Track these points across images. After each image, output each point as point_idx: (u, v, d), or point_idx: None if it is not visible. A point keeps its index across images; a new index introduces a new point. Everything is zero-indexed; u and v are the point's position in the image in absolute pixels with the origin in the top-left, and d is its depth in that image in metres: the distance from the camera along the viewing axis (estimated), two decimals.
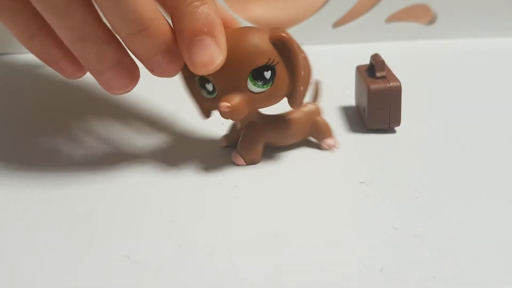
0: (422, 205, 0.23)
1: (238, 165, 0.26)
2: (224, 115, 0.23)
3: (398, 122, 0.28)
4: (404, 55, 0.41)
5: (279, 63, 0.23)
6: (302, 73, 0.24)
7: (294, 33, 0.43)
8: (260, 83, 0.23)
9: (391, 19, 0.44)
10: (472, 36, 0.45)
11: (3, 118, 0.33)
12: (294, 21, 0.44)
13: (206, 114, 0.26)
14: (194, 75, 0.24)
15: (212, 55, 0.22)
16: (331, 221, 0.22)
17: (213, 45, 0.22)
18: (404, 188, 0.24)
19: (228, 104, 0.23)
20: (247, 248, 0.20)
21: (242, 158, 0.25)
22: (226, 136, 0.28)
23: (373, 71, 0.28)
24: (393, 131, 0.29)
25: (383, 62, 0.28)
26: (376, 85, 0.27)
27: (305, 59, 0.25)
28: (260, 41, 0.23)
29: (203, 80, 0.24)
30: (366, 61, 0.30)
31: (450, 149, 0.27)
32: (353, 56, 0.35)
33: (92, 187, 0.25)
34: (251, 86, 0.23)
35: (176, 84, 0.37)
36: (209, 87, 0.24)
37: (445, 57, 0.42)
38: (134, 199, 0.24)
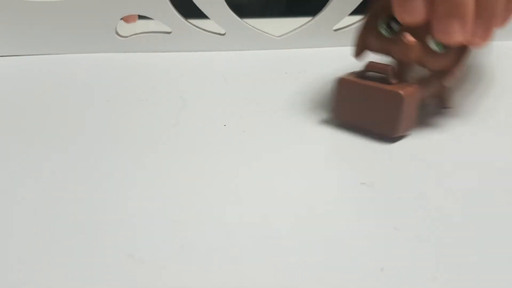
0: (422, 205, 0.23)
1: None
2: (402, 48, 0.27)
3: (414, 124, 0.28)
4: None
5: None
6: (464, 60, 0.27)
7: (294, 36, 0.43)
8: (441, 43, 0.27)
9: None
10: None
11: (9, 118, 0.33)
12: None
13: (360, 52, 0.30)
14: (383, 12, 0.28)
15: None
16: (332, 221, 0.22)
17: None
18: (404, 189, 0.24)
19: (414, 40, 0.27)
20: (249, 248, 0.20)
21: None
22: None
23: (375, 78, 0.28)
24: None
25: (393, 67, 0.28)
26: (406, 91, 0.27)
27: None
28: None
29: (394, 19, 0.27)
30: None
31: (449, 150, 0.27)
32: (354, 59, 0.35)
33: (95, 185, 0.25)
34: (431, 43, 0.27)
35: (177, 89, 0.37)
36: (395, 27, 0.28)
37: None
38: (137, 198, 0.24)
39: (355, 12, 0.43)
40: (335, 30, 0.44)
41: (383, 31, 0.28)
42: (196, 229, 0.22)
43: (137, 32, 0.44)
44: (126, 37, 0.44)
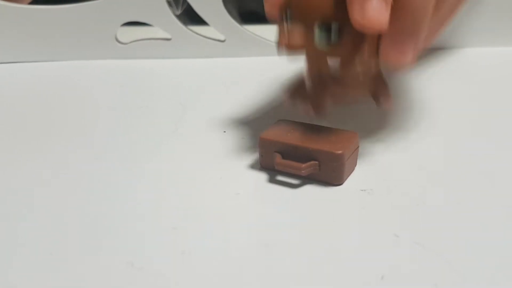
0: (422, 212, 0.23)
1: (307, 115, 0.25)
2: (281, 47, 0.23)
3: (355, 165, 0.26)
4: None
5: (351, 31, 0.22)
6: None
7: None
8: (323, 33, 0.23)
9: None
10: (471, 45, 0.45)
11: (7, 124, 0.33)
12: None
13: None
14: (287, 5, 0.24)
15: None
16: (332, 228, 0.22)
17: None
18: (404, 196, 0.24)
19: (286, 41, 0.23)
20: (249, 255, 0.20)
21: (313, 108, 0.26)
22: (289, 90, 0.27)
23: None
24: (393, 141, 0.29)
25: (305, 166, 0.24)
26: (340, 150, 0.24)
27: None
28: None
29: (286, 12, 0.24)
30: None
31: (450, 156, 0.27)
32: None
33: (94, 193, 0.25)
34: (316, 29, 0.23)
35: (176, 95, 0.37)
36: (288, 17, 0.24)
37: (444, 66, 0.42)
38: (136, 205, 0.24)
39: None
40: None
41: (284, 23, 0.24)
42: (196, 236, 0.22)
43: (137, 38, 0.44)
44: (126, 43, 0.44)
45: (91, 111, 0.34)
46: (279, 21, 0.25)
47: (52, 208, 0.24)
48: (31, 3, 0.43)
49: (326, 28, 0.23)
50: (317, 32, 0.23)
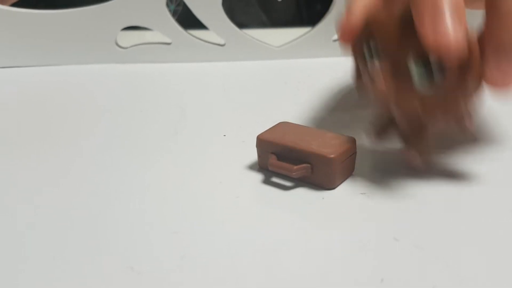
0: (422, 215, 0.23)
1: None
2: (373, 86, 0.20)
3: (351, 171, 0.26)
4: None
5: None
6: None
7: (294, 47, 0.44)
8: (421, 69, 0.19)
9: None
10: None
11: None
12: None
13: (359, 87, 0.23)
14: (368, 35, 0.21)
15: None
16: (332, 231, 0.22)
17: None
18: (404, 199, 0.24)
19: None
20: (249, 259, 0.20)
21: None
22: (376, 131, 0.26)
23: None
24: (393, 145, 0.29)
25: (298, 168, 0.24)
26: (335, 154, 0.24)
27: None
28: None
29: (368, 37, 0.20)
30: None
31: (447, 157, 0.27)
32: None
33: (94, 198, 0.25)
34: (412, 66, 0.19)
35: (176, 99, 0.37)
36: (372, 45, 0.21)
37: None
38: (136, 209, 0.24)
39: None
40: (334, 40, 0.44)
41: (365, 55, 0.21)
42: (196, 241, 0.22)
43: (137, 43, 0.44)
44: (126, 48, 0.44)
45: (91, 115, 0.34)
46: (355, 54, 0.22)
47: (51, 212, 0.24)
48: (15, 4, 0.43)
49: (424, 63, 0.19)
50: (415, 70, 0.19)
